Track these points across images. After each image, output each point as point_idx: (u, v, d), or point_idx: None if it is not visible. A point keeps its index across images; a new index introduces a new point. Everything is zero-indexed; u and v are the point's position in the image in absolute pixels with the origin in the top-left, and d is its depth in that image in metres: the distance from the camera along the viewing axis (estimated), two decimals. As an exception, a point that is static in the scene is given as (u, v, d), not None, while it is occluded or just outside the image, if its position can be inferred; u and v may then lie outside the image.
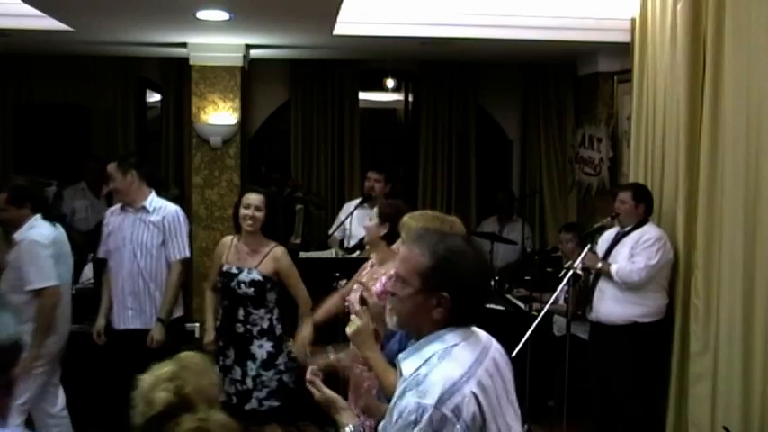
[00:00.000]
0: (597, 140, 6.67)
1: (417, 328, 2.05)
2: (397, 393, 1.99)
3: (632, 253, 4.81)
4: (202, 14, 4.98)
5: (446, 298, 1.97)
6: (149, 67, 7.93)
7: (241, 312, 4.27)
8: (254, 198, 4.25)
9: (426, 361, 1.96)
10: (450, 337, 1.98)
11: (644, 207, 4.91)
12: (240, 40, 6.33)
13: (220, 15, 5.01)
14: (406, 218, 2.98)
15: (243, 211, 4.24)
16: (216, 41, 6.27)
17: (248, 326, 4.27)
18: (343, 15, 5.09)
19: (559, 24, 5.75)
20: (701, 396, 4.58)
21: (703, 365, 4.56)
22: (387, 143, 8.69)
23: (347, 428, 3.23)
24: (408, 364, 2.00)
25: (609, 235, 5.11)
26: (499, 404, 1.98)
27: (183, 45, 6.42)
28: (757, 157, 4.11)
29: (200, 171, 6.62)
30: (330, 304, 4.14)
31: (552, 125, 7.85)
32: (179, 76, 7.71)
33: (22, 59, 7.59)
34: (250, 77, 7.21)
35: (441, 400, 1.85)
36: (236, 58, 6.51)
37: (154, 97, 8.39)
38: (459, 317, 2.01)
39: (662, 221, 5.05)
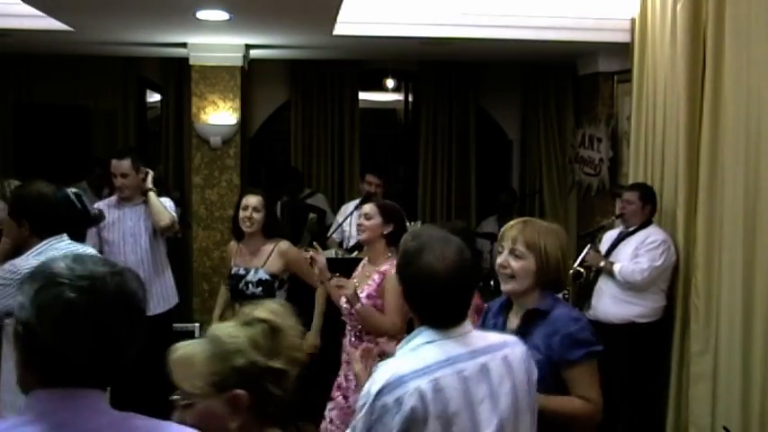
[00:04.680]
0: (597, 140, 6.66)
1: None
2: None
3: (636, 253, 4.82)
4: (202, 14, 4.98)
5: (404, 292, 2.07)
6: (149, 67, 7.93)
7: None
8: (252, 200, 4.33)
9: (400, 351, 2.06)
10: (428, 333, 2.02)
11: (650, 208, 4.95)
12: (240, 40, 6.33)
13: (220, 15, 5.01)
14: (506, 227, 2.67)
15: (241, 213, 4.33)
16: (216, 41, 6.27)
17: None
18: (343, 15, 5.09)
19: (559, 24, 5.74)
20: (701, 396, 4.57)
21: (703, 365, 4.55)
22: (386, 143, 8.69)
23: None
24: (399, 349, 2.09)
25: (611, 235, 5.13)
26: (470, 408, 1.96)
27: (183, 45, 6.42)
28: (757, 157, 4.11)
29: (200, 171, 6.61)
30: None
31: (552, 125, 7.85)
32: (179, 76, 7.71)
33: (22, 59, 7.59)
34: (250, 77, 7.21)
35: (382, 391, 1.91)
36: (236, 58, 6.51)
37: (154, 97, 8.39)
38: (422, 314, 2.05)
39: (662, 221, 5.05)
